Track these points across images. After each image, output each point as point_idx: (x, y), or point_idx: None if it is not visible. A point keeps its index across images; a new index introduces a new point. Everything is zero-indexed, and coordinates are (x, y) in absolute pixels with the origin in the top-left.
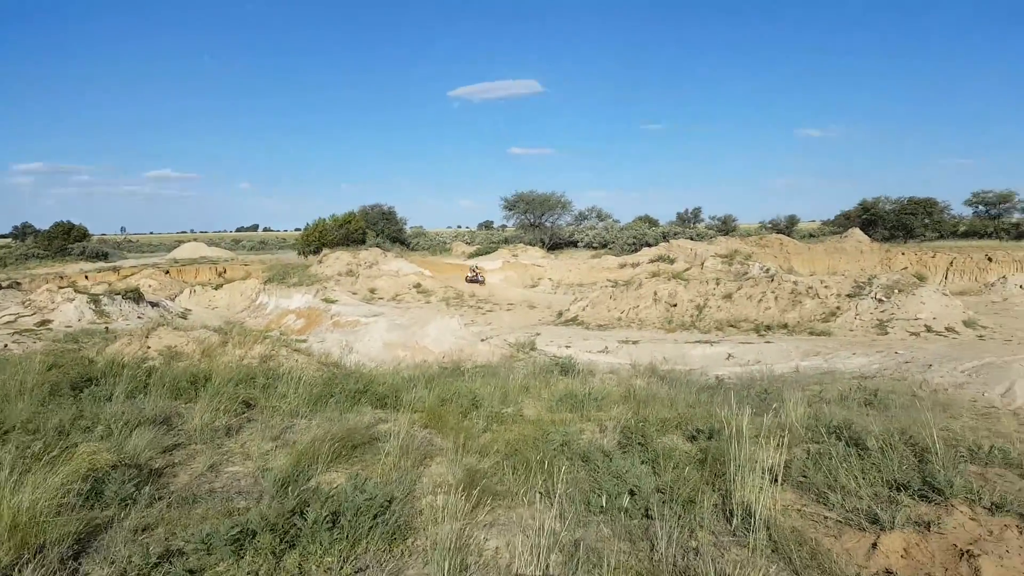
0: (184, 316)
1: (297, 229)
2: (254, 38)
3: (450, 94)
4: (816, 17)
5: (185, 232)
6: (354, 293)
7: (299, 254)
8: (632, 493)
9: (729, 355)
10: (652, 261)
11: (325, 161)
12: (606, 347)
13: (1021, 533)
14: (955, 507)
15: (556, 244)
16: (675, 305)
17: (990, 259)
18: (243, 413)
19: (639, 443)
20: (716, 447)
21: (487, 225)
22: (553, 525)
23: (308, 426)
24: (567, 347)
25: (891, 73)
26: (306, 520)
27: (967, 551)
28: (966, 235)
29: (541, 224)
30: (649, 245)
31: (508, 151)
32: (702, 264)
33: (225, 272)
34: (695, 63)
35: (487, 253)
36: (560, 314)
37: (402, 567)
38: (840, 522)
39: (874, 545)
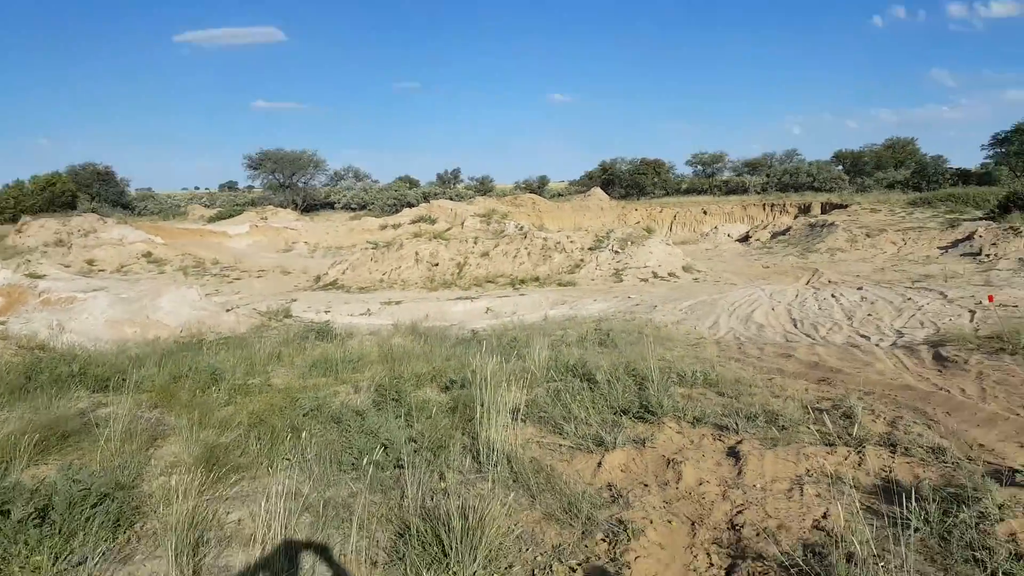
0: None
1: None
2: None
3: (177, 39)
4: None
5: None
6: (67, 266)
7: None
8: (384, 447)
9: (487, 309)
10: (413, 222)
11: (20, 115)
12: (368, 309)
13: (715, 440)
14: (665, 424)
15: (311, 206)
16: (437, 264)
17: (705, 212)
18: None
19: (394, 399)
20: (467, 395)
21: (230, 186)
22: (302, 489)
23: (7, 419)
24: (326, 312)
25: (625, 43)
26: (8, 519)
27: (672, 459)
28: (687, 192)
29: (293, 184)
30: (410, 206)
31: (252, 105)
32: (462, 224)
33: None
34: (447, 24)
35: (231, 216)
36: (318, 279)
37: (130, 553)
38: (573, 448)
39: (599, 464)
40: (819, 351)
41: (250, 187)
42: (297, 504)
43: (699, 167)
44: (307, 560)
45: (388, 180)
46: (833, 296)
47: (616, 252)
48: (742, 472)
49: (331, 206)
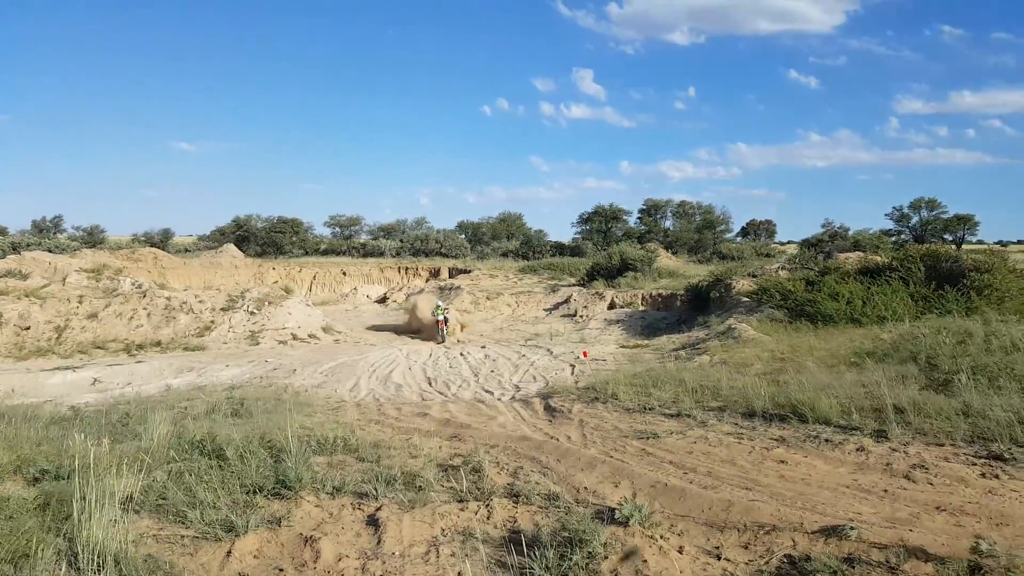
0: None
1: None
2: None
3: None
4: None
5: None
6: None
7: None
8: None
9: (95, 380)
10: None
11: None
12: None
13: (355, 509)
14: (303, 498)
15: None
16: (28, 328)
17: (345, 273)
18: None
19: None
20: (63, 487)
21: None
22: None
23: None
24: None
25: (266, 97)
26: None
27: (311, 537)
28: (326, 252)
29: None
30: None
31: None
32: (64, 280)
33: None
34: (49, 55)
35: None
36: None
37: None
38: (198, 538)
39: (229, 553)
40: (451, 408)
41: None
42: None
43: (337, 229)
44: None
45: None
46: (462, 355)
47: (252, 313)
48: (382, 540)
49: None
